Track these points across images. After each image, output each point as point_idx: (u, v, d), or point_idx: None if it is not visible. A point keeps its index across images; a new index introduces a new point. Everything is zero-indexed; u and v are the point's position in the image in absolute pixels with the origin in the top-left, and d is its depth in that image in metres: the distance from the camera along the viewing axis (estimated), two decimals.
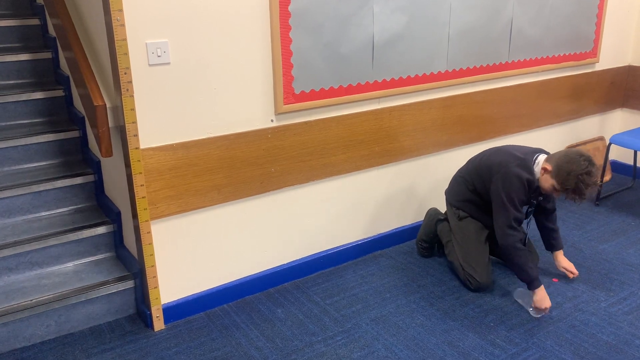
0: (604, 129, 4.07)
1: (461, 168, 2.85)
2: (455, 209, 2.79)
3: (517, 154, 2.55)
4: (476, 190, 2.69)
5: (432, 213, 2.98)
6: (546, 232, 2.79)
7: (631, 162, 3.98)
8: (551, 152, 2.51)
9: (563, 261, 2.77)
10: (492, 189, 2.55)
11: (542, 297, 2.43)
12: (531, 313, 2.46)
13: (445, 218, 2.92)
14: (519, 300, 2.55)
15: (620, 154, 4.13)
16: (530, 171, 2.47)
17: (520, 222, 2.53)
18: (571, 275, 2.73)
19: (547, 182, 2.43)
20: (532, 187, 2.49)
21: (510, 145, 2.71)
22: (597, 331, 2.35)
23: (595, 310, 2.50)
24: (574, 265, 2.84)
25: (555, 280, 2.73)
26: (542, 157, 2.50)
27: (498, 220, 2.52)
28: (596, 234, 3.23)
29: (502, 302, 2.57)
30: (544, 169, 2.43)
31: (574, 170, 2.30)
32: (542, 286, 2.45)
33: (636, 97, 4.00)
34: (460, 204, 2.78)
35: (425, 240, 2.97)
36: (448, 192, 2.89)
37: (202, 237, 2.46)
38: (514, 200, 2.47)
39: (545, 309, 2.42)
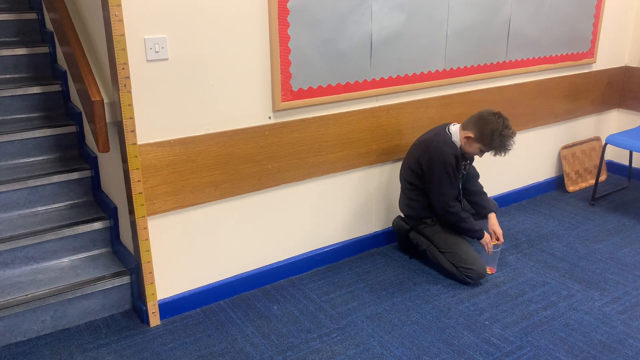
0: (600, 129, 4.08)
1: (401, 185, 2.87)
2: (423, 219, 2.81)
3: (430, 135, 2.71)
4: (424, 189, 2.75)
5: (398, 225, 2.95)
6: (475, 196, 2.87)
7: (627, 163, 4.00)
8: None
9: (495, 224, 2.82)
10: (427, 174, 2.68)
11: (487, 237, 2.75)
12: (493, 252, 2.75)
13: (411, 227, 2.90)
14: (490, 265, 2.78)
15: (616, 155, 4.14)
16: (452, 144, 2.64)
17: (457, 198, 2.74)
18: (494, 241, 2.78)
19: (472, 147, 2.63)
20: (458, 157, 2.65)
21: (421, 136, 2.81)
22: (591, 330, 2.37)
23: (589, 309, 2.52)
24: (568, 264, 2.86)
25: (490, 271, 2.78)
26: (454, 128, 2.69)
27: (438, 202, 2.69)
28: (591, 233, 3.25)
29: (497, 300, 2.58)
30: (467, 137, 2.61)
31: (495, 129, 2.53)
32: (486, 234, 2.76)
33: (632, 97, 4.01)
34: (425, 212, 2.79)
35: (406, 248, 2.97)
36: (406, 208, 2.86)
37: (199, 233, 2.46)
38: (449, 180, 2.64)
39: (495, 235, 2.79)
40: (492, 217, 2.84)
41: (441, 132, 2.69)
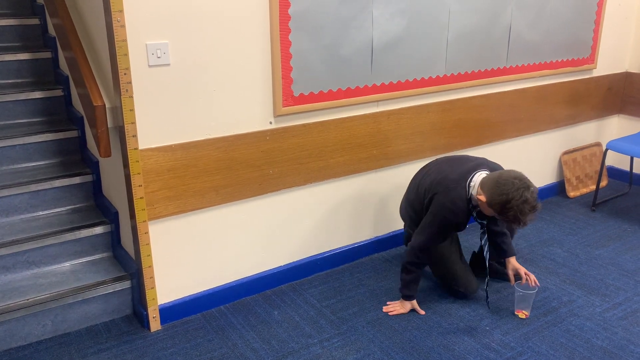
0: (601, 135, 4.08)
1: (408, 189, 2.72)
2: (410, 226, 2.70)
3: (450, 181, 2.39)
4: (417, 212, 2.58)
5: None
6: (495, 237, 2.59)
7: (627, 168, 4.00)
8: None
9: (518, 267, 2.56)
10: (425, 214, 2.47)
11: (402, 306, 2.53)
12: (525, 294, 2.47)
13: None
14: (522, 309, 2.52)
15: (617, 160, 4.14)
16: (462, 198, 2.33)
17: (428, 251, 2.47)
18: (524, 278, 2.51)
19: (486, 210, 2.28)
20: (459, 222, 2.38)
21: (451, 158, 2.60)
22: (592, 336, 2.36)
23: (590, 315, 2.51)
24: (569, 270, 2.85)
25: (525, 315, 2.50)
26: (477, 177, 2.34)
27: (416, 239, 2.45)
28: (592, 239, 3.24)
29: (498, 306, 2.58)
30: (480, 199, 2.26)
31: (509, 200, 2.13)
32: (412, 302, 2.53)
33: (633, 103, 4.02)
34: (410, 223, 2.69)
35: None
36: (403, 216, 2.76)
37: (200, 238, 2.46)
38: (434, 236, 2.42)
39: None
40: (511, 260, 2.59)
41: (460, 184, 2.35)
